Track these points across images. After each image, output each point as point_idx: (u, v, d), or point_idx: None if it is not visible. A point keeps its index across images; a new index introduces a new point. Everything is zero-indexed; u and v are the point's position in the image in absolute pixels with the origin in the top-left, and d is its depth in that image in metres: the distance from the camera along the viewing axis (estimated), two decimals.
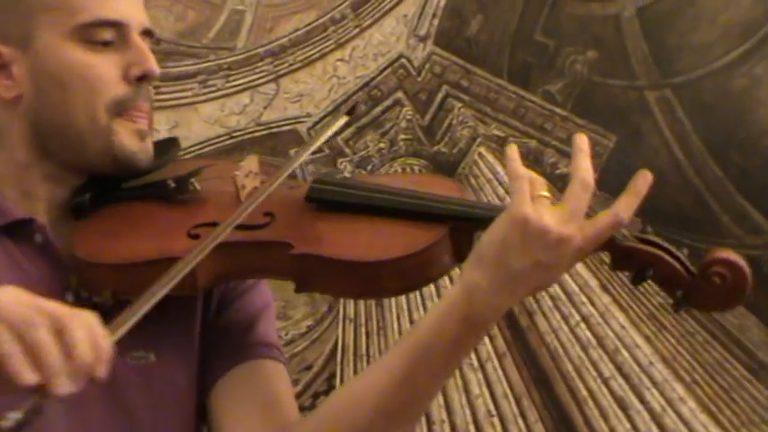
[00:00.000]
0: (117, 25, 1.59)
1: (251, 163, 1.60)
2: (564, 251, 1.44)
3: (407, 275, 1.53)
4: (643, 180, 1.46)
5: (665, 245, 1.52)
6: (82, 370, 1.24)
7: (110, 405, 1.55)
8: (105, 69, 1.58)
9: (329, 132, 1.75)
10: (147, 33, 1.63)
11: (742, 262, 1.49)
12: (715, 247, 1.55)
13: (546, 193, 1.46)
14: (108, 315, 1.52)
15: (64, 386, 1.22)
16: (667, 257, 1.51)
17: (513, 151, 1.49)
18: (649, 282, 1.53)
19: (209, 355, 1.63)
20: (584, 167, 1.45)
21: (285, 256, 1.52)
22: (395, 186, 1.61)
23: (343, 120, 1.75)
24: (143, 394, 1.57)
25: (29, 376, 1.21)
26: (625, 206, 1.45)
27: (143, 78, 1.59)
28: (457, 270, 1.54)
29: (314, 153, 3.32)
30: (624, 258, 1.51)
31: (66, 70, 1.57)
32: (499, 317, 1.50)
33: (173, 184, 1.61)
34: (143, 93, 1.60)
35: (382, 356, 1.56)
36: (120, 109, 1.59)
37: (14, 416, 1.19)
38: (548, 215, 1.43)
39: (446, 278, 1.60)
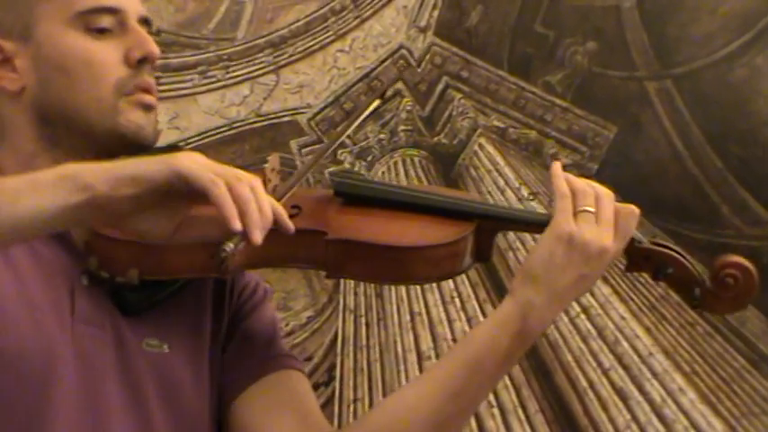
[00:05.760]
0: (115, 12, 1.62)
1: (274, 160, 1.64)
2: (603, 261, 1.58)
3: (439, 264, 1.59)
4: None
5: (679, 249, 1.63)
6: (268, 225, 1.42)
7: (126, 388, 1.56)
8: (106, 54, 1.60)
9: (362, 116, 1.77)
10: (144, 22, 1.66)
11: (751, 265, 1.59)
12: (721, 255, 1.63)
13: (590, 208, 1.58)
14: (133, 293, 1.55)
15: (258, 236, 1.40)
16: (682, 260, 1.61)
17: (557, 168, 1.61)
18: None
19: (229, 368, 1.65)
20: (594, 186, 1.59)
21: (318, 243, 1.56)
22: (418, 187, 1.65)
23: (375, 103, 1.78)
24: (156, 384, 1.58)
25: (238, 223, 1.39)
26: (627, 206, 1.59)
27: (144, 60, 1.62)
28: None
29: (313, 144, 3.33)
30: (642, 260, 1.62)
31: (69, 57, 1.60)
32: (547, 328, 1.63)
33: None
34: (145, 73, 1.63)
35: (432, 369, 1.65)
36: (125, 89, 1.61)
37: (229, 247, 1.40)
38: (588, 230, 1.56)
39: None
